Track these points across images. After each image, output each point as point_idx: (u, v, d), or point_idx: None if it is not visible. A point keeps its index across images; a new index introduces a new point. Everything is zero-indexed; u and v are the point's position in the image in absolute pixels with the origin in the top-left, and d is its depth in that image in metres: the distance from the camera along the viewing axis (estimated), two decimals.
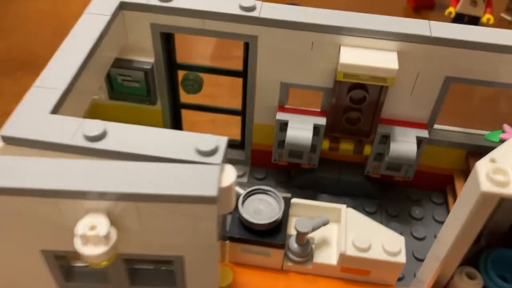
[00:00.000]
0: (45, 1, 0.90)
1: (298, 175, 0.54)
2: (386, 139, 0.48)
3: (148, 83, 0.48)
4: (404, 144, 0.46)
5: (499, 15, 0.86)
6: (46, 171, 0.29)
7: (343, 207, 0.43)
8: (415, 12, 0.88)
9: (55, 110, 0.34)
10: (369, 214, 0.52)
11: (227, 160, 0.33)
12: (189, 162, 0.31)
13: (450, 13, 0.80)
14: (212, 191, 0.29)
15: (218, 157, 0.31)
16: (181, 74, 0.51)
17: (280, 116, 0.48)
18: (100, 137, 0.32)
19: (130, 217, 0.30)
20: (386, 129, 0.48)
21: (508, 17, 0.86)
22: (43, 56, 0.50)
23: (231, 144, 0.56)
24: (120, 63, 0.46)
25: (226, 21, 0.43)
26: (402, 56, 0.43)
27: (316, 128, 0.48)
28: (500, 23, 0.86)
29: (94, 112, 0.52)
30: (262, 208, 0.42)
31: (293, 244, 0.41)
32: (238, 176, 0.55)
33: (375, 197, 0.53)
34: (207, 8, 0.43)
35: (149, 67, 0.46)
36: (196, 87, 0.51)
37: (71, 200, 0.29)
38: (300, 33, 0.43)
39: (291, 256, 0.41)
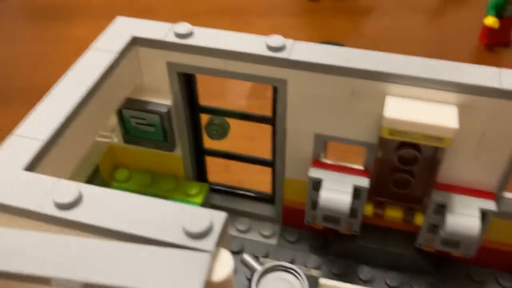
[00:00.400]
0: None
1: (336, 241, 0.46)
2: (442, 209, 0.39)
3: (165, 128, 0.42)
4: (464, 217, 0.37)
5: None
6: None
7: None
8: (487, 50, 0.78)
9: (32, 165, 0.29)
10: None
11: (228, 241, 0.26)
12: (173, 245, 0.25)
13: None
14: None
15: (210, 241, 0.25)
16: (204, 117, 0.45)
17: (314, 172, 0.41)
18: (73, 204, 0.26)
19: None
20: (442, 197, 0.39)
21: None
22: None
23: (261, 198, 0.49)
24: (134, 104, 0.41)
25: (251, 63, 0.37)
26: (464, 112, 0.35)
27: (356, 190, 0.40)
28: None
29: (111, 155, 0.47)
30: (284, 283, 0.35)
31: None
32: (266, 237, 0.48)
33: (427, 274, 0.44)
34: (230, 47, 0.37)
35: (165, 110, 0.41)
36: (221, 132, 0.45)
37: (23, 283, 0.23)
38: (337, 78, 0.36)
39: None
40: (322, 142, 0.41)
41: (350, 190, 0.40)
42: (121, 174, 0.48)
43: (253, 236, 0.48)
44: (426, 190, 0.39)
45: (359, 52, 0.36)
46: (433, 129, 0.34)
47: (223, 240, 0.26)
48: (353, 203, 0.41)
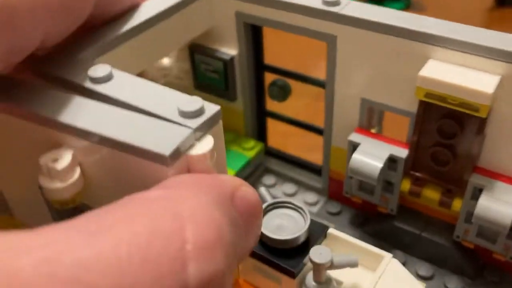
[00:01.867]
0: None
1: (373, 220, 0.45)
2: (480, 194, 0.37)
3: (227, 76, 0.45)
4: (499, 203, 0.35)
5: None
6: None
7: (387, 256, 0.34)
8: None
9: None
10: None
11: (219, 134, 0.29)
12: (167, 120, 0.28)
13: None
14: (165, 150, 0.25)
15: (195, 122, 0.27)
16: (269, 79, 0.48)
17: (354, 137, 0.41)
18: (103, 80, 0.31)
19: (93, 160, 0.28)
20: (481, 180, 0.36)
21: None
22: None
23: (311, 168, 0.50)
24: (204, 50, 0.45)
25: (308, 16, 0.39)
26: (508, 84, 0.33)
27: (393, 160, 0.39)
28: None
29: None
30: (286, 225, 0.36)
31: (310, 280, 0.33)
32: (308, 204, 0.48)
33: (464, 273, 0.41)
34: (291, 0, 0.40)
35: (228, 58, 0.44)
36: (282, 94, 0.47)
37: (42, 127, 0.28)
38: (384, 37, 0.36)
39: None
40: (368, 109, 0.41)
41: (384, 157, 0.39)
42: None
43: (296, 200, 0.48)
44: (466, 171, 0.37)
45: (409, 15, 0.36)
46: (468, 93, 0.32)
47: (212, 129, 0.28)
48: (388, 174, 0.40)
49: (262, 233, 0.34)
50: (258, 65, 0.47)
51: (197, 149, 0.27)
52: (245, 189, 0.27)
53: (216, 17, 0.44)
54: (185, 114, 0.27)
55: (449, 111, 0.35)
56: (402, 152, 0.39)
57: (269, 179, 0.51)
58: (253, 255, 0.35)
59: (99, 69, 0.31)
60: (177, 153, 0.26)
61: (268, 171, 0.51)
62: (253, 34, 0.44)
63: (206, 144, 0.27)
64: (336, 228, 0.45)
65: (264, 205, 0.36)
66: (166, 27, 0.39)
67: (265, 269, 0.35)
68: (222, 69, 0.45)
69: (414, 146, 0.38)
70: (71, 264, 0.18)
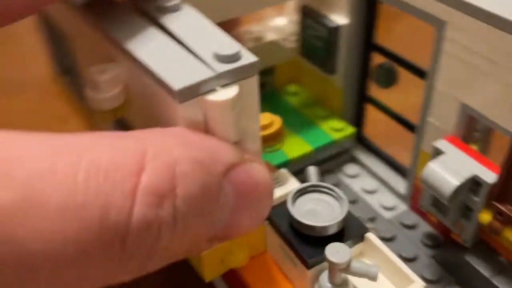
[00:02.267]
0: None
1: (444, 247, 0.39)
2: None
3: (329, 45, 0.42)
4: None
5: None
6: None
7: (418, 283, 0.29)
8: None
9: None
10: None
11: (253, 90, 0.27)
12: (199, 58, 0.26)
13: None
14: (177, 84, 0.24)
15: (223, 67, 0.25)
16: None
17: (441, 144, 0.35)
18: (168, 10, 0.30)
19: (134, 83, 0.29)
20: None
21: None
22: None
23: (396, 167, 0.45)
24: (313, 14, 0.43)
25: None
26: None
27: (476, 183, 0.33)
28: None
29: (288, 65, 0.50)
30: (320, 211, 0.32)
31: (324, 278, 0.30)
32: (386, 208, 0.43)
33: None
34: None
35: (333, 25, 0.41)
36: (386, 79, 0.42)
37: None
38: (504, 35, 0.30)
39: None
40: (468, 117, 0.35)
41: (466, 175, 0.33)
42: (291, 87, 0.50)
43: (373, 201, 0.44)
44: None
45: None
46: None
47: (244, 81, 0.26)
48: (468, 198, 0.34)
49: (293, 215, 0.31)
50: (366, 42, 0.42)
51: (216, 95, 0.25)
52: (254, 165, 0.25)
53: None
54: (218, 57, 0.26)
55: None
56: (490, 176, 0.32)
57: (351, 169, 0.46)
58: (278, 232, 0.33)
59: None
60: (190, 92, 0.24)
61: (354, 160, 0.47)
62: (367, 7, 0.40)
63: (229, 93, 0.25)
64: (403, 241, 0.40)
65: (304, 185, 0.33)
66: None
67: (287, 251, 0.32)
68: (326, 36, 0.42)
69: (505, 174, 0.31)
70: (29, 169, 0.18)
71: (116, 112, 0.30)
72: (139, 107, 0.30)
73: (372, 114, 0.47)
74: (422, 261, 0.39)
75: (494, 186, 0.32)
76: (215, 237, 0.24)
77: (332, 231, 0.31)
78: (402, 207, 0.43)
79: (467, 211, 0.35)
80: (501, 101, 0.31)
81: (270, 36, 0.47)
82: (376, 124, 0.48)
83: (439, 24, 0.33)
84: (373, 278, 0.28)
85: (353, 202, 0.44)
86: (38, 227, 0.18)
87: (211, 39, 0.27)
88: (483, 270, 0.35)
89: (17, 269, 0.18)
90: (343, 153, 0.47)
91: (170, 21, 0.29)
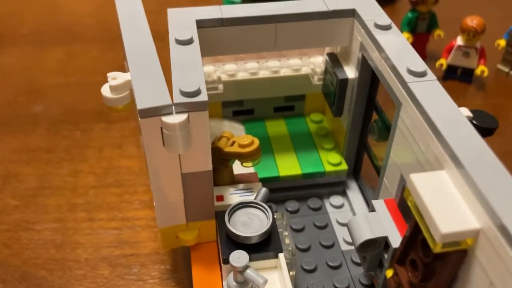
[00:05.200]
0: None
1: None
2: None
3: (336, 92, 0.49)
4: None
5: (496, 67, 0.78)
6: None
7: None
8: None
9: None
10: None
11: (203, 120, 0.36)
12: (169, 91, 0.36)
13: (441, 65, 0.75)
14: (140, 105, 0.34)
15: (179, 99, 0.35)
16: None
17: (377, 203, 0.41)
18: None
19: None
20: None
21: (505, 69, 0.78)
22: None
23: None
24: (334, 61, 0.49)
25: None
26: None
27: (386, 243, 0.38)
28: (497, 75, 0.78)
29: (313, 96, 0.57)
30: (252, 223, 0.41)
31: (230, 276, 0.39)
32: (348, 243, 0.49)
33: None
34: None
35: (342, 77, 0.47)
36: (379, 135, 0.48)
37: None
38: (424, 126, 0.35)
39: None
40: (402, 187, 0.40)
41: (379, 234, 0.38)
42: (316, 116, 0.58)
43: (340, 231, 0.50)
44: None
45: None
46: (428, 218, 0.30)
47: (195, 113, 0.35)
48: (382, 253, 0.39)
49: (226, 222, 0.40)
50: (369, 98, 0.48)
51: (169, 118, 0.34)
52: None
53: (355, 39, 0.47)
54: (181, 92, 0.35)
55: None
56: (397, 242, 0.38)
57: (337, 200, 0.53)
58: (218, 230, 0.42)
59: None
60: (149, 112, 0.34)
61: (344, 194, 0.54)
62: (371, 70, 0.46)
63: (177, 118, 0.35)
64: (340, 278, 0.47)
65: (246, 201, 0.41)
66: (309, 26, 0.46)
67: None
68: (335, 85, 0.49)
69: (403, 245, 0.37)
70: None
71: (124, 109, 0.41)
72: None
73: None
74: None
75: (396, 250, 0.38)
76: None
77: (253, 241, 0.39)
78: None
79: (381, 264, 0.40)
80: None
81: (305, 70, 0.54)
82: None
83: (397, 103, 0.39)
84: (258, 286, 0.36)
85: (323, 227, 0.50)
86: None
87: (189, 75, 0.37)
88: None
89: None
90: (336, 184, 0.53)
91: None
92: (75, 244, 0.52)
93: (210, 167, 0.39)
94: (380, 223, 0.39)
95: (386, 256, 0.39)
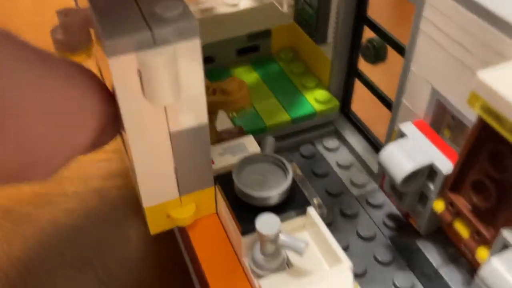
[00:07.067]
0: None
1: (401, 230, 0.38)
2: None
3: (319, 12, 0.41)
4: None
5: None
6: None
7: (346, 262, 0.29)
8: None
9: None
10: None
11: (196, 53, 0.26)
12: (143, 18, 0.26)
13: None
14: (107, 39, 0.24)
15: (159, 27, 0.25)
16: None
17: (406, 127, 0.34)
18: None
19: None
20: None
21: None
22: None
23: (374, 144, 0.44)
24: None
25: None
26: None
27: (432, 171, 0.32)
28: None
29: (282, 30, 0.49)
30: (269, 181, 0.32)
31: (256, 249, 0.30)
32: (356, 185, 0.42)
33: None
34: None
35: None
36: (373, 55, 0.41)
37: None
38: (474, 19, 0.28)
39: (251, 264, 0.30)
40: (437, 103, 0.33)
41: (423, 162, 0.32)
42: (287, 54, 0.49)
43: (344, 175, 0.43)
44: (506, 219, 0.28)
45: None
46: None
47: (182, 43, 0.26)
48: (425, 185, 0.33)
49: (236, 183, 0.31)
50: (358, 14, 0.41)
51: (149, 53, 0.25)
52: None
53: None
54: (160, 17, 0.25)
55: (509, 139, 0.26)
56: (447, 166, 0.31)
57: (330, 142, 0.46)
58: (224, 198, 0.33)
59: None
60: (120, 47, 0.24)
61: (336, 133, 0.47)
62: None
63: (160, 52, 0.25)
64: (364, 220, 0.40)
65: (253, 155, 0.33)
66: None
67: (230, 216, 0.33)
68: (316, 3, 0.41)
69: (460, 166, 0.30)
70: None
71: (85, 54, 0.30)
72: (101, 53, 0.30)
73: (359, 89, 0.46)
74: (379, 241, 0.38)
75: (449, 176, 0.31)
76: None
77: (273, 201, 0.31)
78: (372, 185, 0.43)
79: (423, 198, 0.34)
80: (464, 88, 0.30)
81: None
82: (363, 99, 0.47)
83: (418, 2, 0.32)
84: (300, 252, 0.28)
85: (325, 175, 0.43)
86: None
87: None
88: (432, 259, 0.35)
89: None
90: (325, 125, 0.46)
91: None
92: (61, 178, 0.49)
93: (206, 118, 0.30)
94: (420, 150, 0.33)
95: (432, 186, 0.33)
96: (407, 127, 0.34)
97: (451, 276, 0.34)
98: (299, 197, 0.32)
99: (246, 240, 0.31)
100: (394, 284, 0.35)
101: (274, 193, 0.31)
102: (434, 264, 0.35)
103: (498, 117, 0.25)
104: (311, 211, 0.31)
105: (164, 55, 0.25)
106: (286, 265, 0.30)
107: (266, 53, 0.50)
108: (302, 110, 0.44)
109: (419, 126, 0.34)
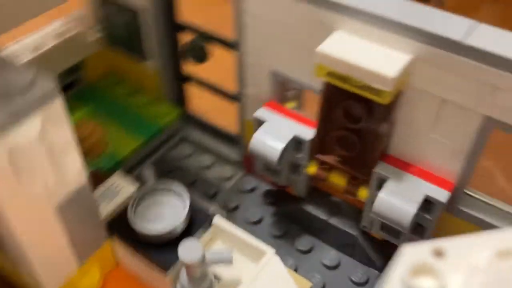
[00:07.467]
0: None
1: (284, 201, 0.42)
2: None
3: (133, 29, 0.41)
4: (400, 198, 0.31)
5: None
6: None
7: (269, 252, 0.31)
8: None
9: None
10: (354, 284, 0.37)
11: (60, 116, 0.24)
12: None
13: None
14: None
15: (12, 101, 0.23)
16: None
17: (261, 113, 0.37)
18: None
19: None
20: (386, 170, 0.33)
21: None
22: None
23: (227, 137, 0.46)
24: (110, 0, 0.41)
25: None
26: (420, 66, 0.29)
27: (297, 142, 0.36)
28: None
29: (98, 57, 0.47)
30: (166, 213, 0.32)
31: (183, 276, 0.30)
32: (225, 178, 0.44)
33: (372, 265, 0.38)
34: None
35: (133, 9, 0.39)
36: (198, 55, 0.42)
37: None
38: (294, 1, 0.32)
39: None
40: (279, 82, 0.37)
41: (288, 138, 0.35)
42: (108, 80, 0.48)
43: (212, 173, 0.45)
44: (372, 159, 0.33)
45: None
46: (369, 76, 0.28)
47: (45, 110, 0.24)
48: (294, 156, 0.37)
49: (135, 224, 0.31)
50: (172, 23, 0.41)
51: (14, 135, 0.22)
52: None
53: None
54: (11, 90, 0.23)
55: (355, 93, 0.31)
56: (308, 133, 0.35)
57: (185, 149, 0.47)
58: (127, 244, 0.32)
59: None
60: None
61: (185, 140, 0.47)
62: None
63: (33, 128, 0.23)
64: (247, 207, 0.42)
65: (142, 190, 0.33)
66: None
67: (142, 260, 0.32)
68: (128, 22, 0.40)
69: (320, 129, 0.34)
70: None
71: None
72: None
73: (195, 91, 0.47)
74: (268, 220, 0.41)
75: (313, 141, 0.35)
76: None
77: (179, 230, 0.31)
78: (239, 173, 0.45)
79: (295, 167, 0.38)
80: (302, 63, 0.34)
81: (70, 30, 0.43)
82: (202, 100, 0.48)
83: None
84: (229, 262, 0.29)
85: (193, 182, 0.44)
86: None
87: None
88: (321, 214, 0.39)
89: None
90: (173, 135, 0.47)
91: None
92: None
93: (85, 177, 0.28)
94: (281, 128, 0.36)
95: (301, 155, 0.36)
96: (262, 112, 0.37)
97: (340, 223, 0.39)
98: (201, 214, 0.32)
99: (170, 276, 0.30)
100: (296, 249, 0.39)
101: (178, 223, 0.31)
102: (323, 218, 0.39)
103: (342, 78, 0.30)
104: (217, 220, 0.32)
105: (36, 130, 0.23)
106: (216, 281, 0.31)
107: (83, 85, 0.47)
108: (150, 129, 0.44)
109: (271, 107, 0.37)
